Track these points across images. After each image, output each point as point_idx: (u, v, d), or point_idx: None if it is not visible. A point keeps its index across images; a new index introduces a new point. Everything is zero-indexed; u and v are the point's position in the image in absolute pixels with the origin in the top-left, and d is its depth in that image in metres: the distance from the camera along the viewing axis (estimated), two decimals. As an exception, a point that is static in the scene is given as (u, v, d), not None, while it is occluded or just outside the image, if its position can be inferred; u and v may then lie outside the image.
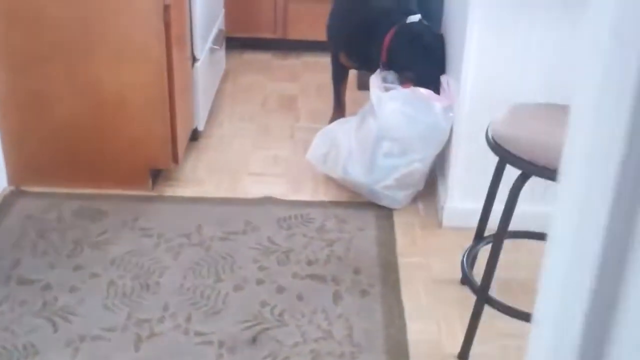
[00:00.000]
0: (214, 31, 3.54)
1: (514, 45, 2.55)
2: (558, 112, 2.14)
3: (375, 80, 2.96)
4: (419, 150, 2.81)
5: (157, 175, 3.05)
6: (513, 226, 2.11)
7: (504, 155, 2.02)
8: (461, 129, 2.69)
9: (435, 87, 2.90)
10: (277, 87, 3.99)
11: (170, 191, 3.00)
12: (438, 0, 3.39)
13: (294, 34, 4.30)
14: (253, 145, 3.39)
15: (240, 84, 4.03)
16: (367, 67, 3.26)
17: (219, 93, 3.76)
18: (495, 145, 2.04)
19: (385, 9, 3.05)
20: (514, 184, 2.03)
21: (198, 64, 3.19)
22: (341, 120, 3.12)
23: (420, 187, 2.92)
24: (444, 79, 2.90)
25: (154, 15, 2.68)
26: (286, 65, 4.27)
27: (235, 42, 4.31)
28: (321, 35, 4.25)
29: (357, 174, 2.89)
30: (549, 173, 1.93)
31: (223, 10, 3.91)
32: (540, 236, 2.42)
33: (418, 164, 2.82)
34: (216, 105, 3.68)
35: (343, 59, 3.30)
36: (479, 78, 2.60)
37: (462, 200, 2.82)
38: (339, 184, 3.04)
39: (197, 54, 3.18)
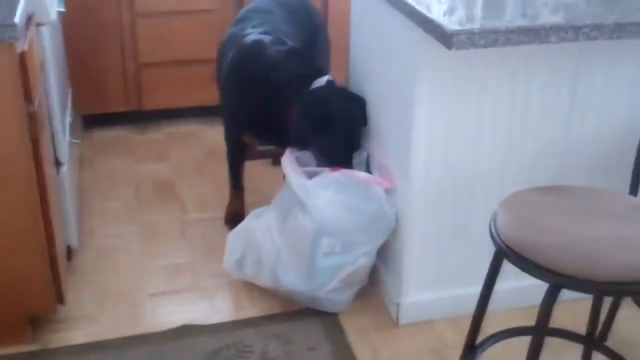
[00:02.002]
0: (68, 120, 2.89)
1: (464, 117, 2.18)
2: (567, 198, 1.79)
3: (288, 163, 2.49)
4: (363, 243, 2.36)
5: (36, 320, 2.38)
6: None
7: (528, 266, 1.63)
8: (411, 212, 2.28)
9: (349, 163, 2.48)
10: (146, 171, 3.39)
11: (56, 339, 2.34)
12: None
13: (151, 104, 3.72)
14: (142, 255, 2.79)
15: (101, 171, 3.38)
16: (277, 143, 2.78)
17: (78, 188, 3.11)
18: (514, 256, 1.65)
19: (288, 76, 2.58)
20: (545, 300, 1.64)
21: (64, 169, 2.56)
22: (253, 214, 2.61)
23: (365, 282, 2.48)
24: (372, 151, 2.49)
25: (15, 127, 2.05)
26: (148, 141, 3.67)
27: (84, 119, 3.66)
28: (182, 101, 3.74)
29: (293, 281, 2.40)
30: (588, 286, 1.57)
31: (71, 89, 3.26)
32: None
33: (364, 258, 2.38)
34: (81, 207, 3.03)
35: (247, 138, 2.79)
36: (430, 155, 2.20)
37: (419, 292, 2.41)
38: (261, 288, 2.53)
39: (61, 157, 2.55)
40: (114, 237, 2.90)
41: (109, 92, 3.64)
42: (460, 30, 1.85)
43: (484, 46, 1.85)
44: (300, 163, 2.52)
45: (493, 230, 1.74)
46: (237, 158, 2.91)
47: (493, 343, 2.05)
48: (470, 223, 2.34)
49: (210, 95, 3.65)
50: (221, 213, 3.02)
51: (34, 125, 2.08)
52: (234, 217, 2.95)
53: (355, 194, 2.33)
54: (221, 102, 2.83)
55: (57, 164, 2.54)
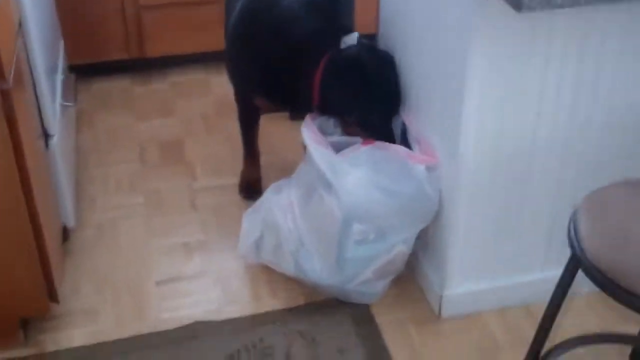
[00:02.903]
0: (59, 78, 2.54)
1: (525, 85, 1.82)
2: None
3: (310, 132, 2.14)
4: (401, 228, 2.04)
5: (28, 319, 2.10)
6: None
7: (620, 295, 1.30)
8: (458, 192, 1.95)
9: (390, 135, 2.14)
10: (151, 129, 3.04)
11: (51, 341, 2.06)
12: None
13: (154, 51, 3.34)
14: (148, 233, 2.48)
15: (101, 130, 3.04)
16: (296, 109, 2.44)
17: (75, 151, 2.79)
18: (602, 279, 1.32)
19: (310, 33, 2.21)
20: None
21: (54, 141, 2.23)
22: (271, 189, 2.28)
23: (401, 270, 2.17)
24: (409, 121, 2.13)
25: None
26: (152, 92, 3.31)
27: (81, 70, 3.30)
28: (188, 46, 3.36)
29: (319, 273, 2.09)
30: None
31: (62, 41, 2.90)
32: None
33: (402, 246, 2.06)
34: (79, 175, 2.71)
35: (260, 102, 2.44)
36: (483, 126, 1.85)
37: (464, 282, 2.10)
38: (282, 274, 2.23)
39: (50, 128, 2.21)
40: (116, 210, 2.58)
41: (106, 38, 3.26)
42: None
43: (561, 6, 1.48)
44: (324, 132, 2.17)
45: (574, 239, 1.41)
46: (250, 121, 2.56)
47: (561, 353, 1.76)
48: (525, 204, 2.01)
49: (220, 39, 3.27)
50: (235, 179, 2.69)
51: (8, 104, 1.74)
52: (249, 186, 2.63)
53: (392, 173, 2.00)
54: (229, 59, 2.46)
55: (46, 136, 2.21)
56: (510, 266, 2.11)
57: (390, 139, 2.12)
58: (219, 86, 3.31)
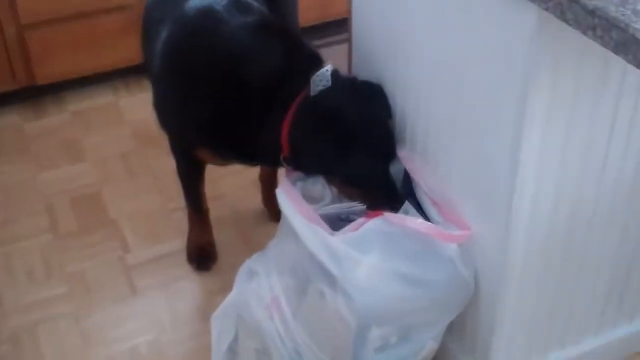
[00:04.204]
0: None
1: (592, 127, 1.35)
2: None
3: (289, 200, 1.61)
4: (430, 324, 1.56)
5: None
6: None
7: None
8: (507, 271, 1.48)
9: (395, 194, 1.64)
10: (58, 180, 2.41)
11: None
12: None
13: (46, 76, 2.68)
14: (80, 339, 1.91)
15: (-8, 187, 2.41)
16: (255, 162, 1.90)
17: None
18: None
19: (272, 70, 1.65)
20: None
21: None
22: (242, 272, 1.74)
23: (428, 363, 1.70)
24: (413, 172, 1.63)
25: None
26: (50, 128, 2.66)
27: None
28: (87, 66, 2.73)
29: (329, 390, 1.59)
30: None
31: None
32: None
33: (431, 343, 1.59)
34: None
35: (204, 155, 1.87)
36: (542, 182, 1.38)
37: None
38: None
39: None
40: (32, 311, 1.99)
41: (-17, 68, 2.60)
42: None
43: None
44: (309, 198, 1.65)
45: None
46: (192, 176, 2.00)
47: None
48: (583, 269, 1.57)
49: (124, 53, 2.70)
50: (179, 242, 2.15)
51: None
52: (201, 252, 2.10)
53: (414, 255, 1.50)
54: (157, 100, 1.87)
55: None
56: (562, 338, 1.68)
57: (398, 200, 1.63)
58: (133, 110, 2.72)
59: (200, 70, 1.71)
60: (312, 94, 1.62)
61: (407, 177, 1.67)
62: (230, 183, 2.34)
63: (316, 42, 2.78)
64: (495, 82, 1.31)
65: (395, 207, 1.63)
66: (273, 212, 2.22)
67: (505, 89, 1.29)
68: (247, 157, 1.82)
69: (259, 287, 1.69)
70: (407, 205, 1.64)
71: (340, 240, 1.51)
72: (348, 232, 1.53)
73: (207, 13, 1.73)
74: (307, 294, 1.59)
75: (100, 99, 2.78)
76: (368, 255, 1.49)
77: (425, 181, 1.61)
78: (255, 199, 2.27)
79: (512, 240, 1.42)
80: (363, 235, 1.51)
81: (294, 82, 1.64)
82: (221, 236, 2.15)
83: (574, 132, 1.33)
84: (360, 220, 1.54)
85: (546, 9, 1.08)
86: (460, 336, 1.67)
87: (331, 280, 1.52)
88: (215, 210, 2.13)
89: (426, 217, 1.60)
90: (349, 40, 1.82)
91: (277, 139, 1.66)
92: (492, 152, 1.38)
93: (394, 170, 1.69)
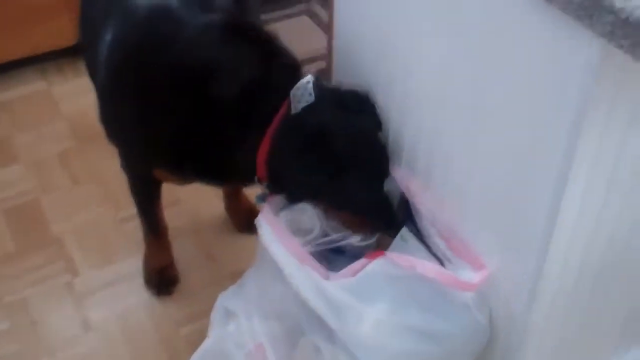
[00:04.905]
0: None
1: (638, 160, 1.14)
2: None
3: (273, 234, 1.39)
4: (443, 375, 1.37)
5: None
6: None
7: None
8: (530, 316, 1.29)
9: (393, 220, 1.43)
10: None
11: None
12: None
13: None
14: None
15: None
16: (224, 183, 1.66)
17: None
18: None
19: (246, 82, 1.39)
20: None
21: None
22: (217, 311, 1.51)
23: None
24: (413, 198, 1.42)
25: None
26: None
27: None
28: (11, 50, 2.40)
29: None
30: None
31: None
32: None
33: (442, 394, 1.40)
34: None
35: (162, 175, 1.61)
36: (581, 222, 1.17)
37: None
38: None
39: None
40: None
41: None
42: None
43: None
44: (296, 230, 1.42)
45: None
46: (147, 195, 1.74)
47: None
48: (607, 304, 1.39)
49: (55, 33, 2.38)
50: (133, 261, 1.90)
51: None
52: (161, 276, 1.86)
53: (425, 304, 1.29)
54: (105, 114, 1.58)
55: None
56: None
57: (395, 225, 1.42)
58: (69, 99, 2.42)
59: (158, 83, 1.43)
60: (293, 111, 1.37)
61: (404, 199, 1.46)
62: (188, 188, 2.06)
63: (270, 15, 2.52)
64: (535, 110, 1.09)
65: (392, 233, 1.43)
66: (237, 221, 1.99)
67: (550, 120, 1.06)
68: (214, 179, 1.57)
69: (238, 332, 1.47)
70: (405, 232, 1.43)
71: (338, 287, 1.30)
72: (347, 276, 1.31)
73: (161, 11, 1.45)
74: (299, 346, 1.37)
75: (29, 87, 2.46)
76: (372, 306, 1.28)
77: (428, 208, 1.40)
78: (216, 205, 2.03)
79: (543, 282, 1.22)
80: (365, 280, 1.30)
81: (271, 95, 1.39)
82: (180, 251, 1.91)
83: (620, 163, 1.13)
84: (360, 262, 1.33)
85: (620, 47, 0.86)
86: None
87: (328, 333, 1.31)
88: (171, 219, 1.87)
89: (427, 247, 1.40)
90: (328, 43, 1.57)
91: (252, 161, 1.42)
92: (528, 187, 1.16)
93: (388, 188, 1.47)
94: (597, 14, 0.87)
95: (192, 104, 1.42)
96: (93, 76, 1.64)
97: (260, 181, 1.45)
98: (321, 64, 2.25)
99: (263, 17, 2.42)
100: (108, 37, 1.49)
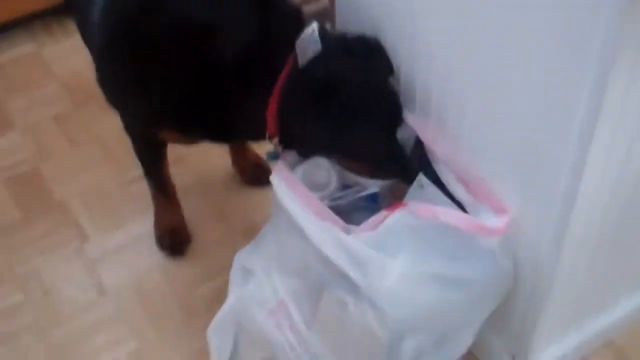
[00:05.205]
0: None
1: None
2: None
3: (288, 190, 1.36)
4: (468, 323, 1.35)
5: None
6: None
7: None
8: (554, 260, 1.27)
9: (410, 167, 1.40)
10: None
11: None
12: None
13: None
14: (47, 356, 1.65)
15: None
16: (233, 140, 1.62)
17: None
18: None
19: (251, 38, 1.33)
20: None
21: None
22: (235, 271, 1.49)
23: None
24: (429, 142, 1.38)
25: None
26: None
27: None
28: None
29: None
30: None
31: None
32: None
33: (469, 339, 1.39)
34: None
35: (169, 136, 1.57)
36: (607, 171, 1.15)
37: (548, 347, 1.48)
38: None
39: None
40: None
41: None
42: None
43: None
44: (312, 185, 1.39)
45: None
46: (153, 157, 1.70)
47: None
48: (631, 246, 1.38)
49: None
50: (144, 221, 1.87)
51: None
52: (173, 237, 1.83)
53: (449, 252, 1.27)
54: (104, 78, 1.52)
55: None
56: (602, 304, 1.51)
57: (411, 171, 1.39)
58: (61, 61, 2.35)
59: (158, 44, 1.38)
60: (300, 63, 1.33)
61: (419, 145, 1.42)
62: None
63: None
64: (558, 51, 1.05)
65: (408, 179, 1.40)
66: (245, 175, 1.96)
67: (576, 63, 1.02)
68: (223, 137, 1.53)
69: (258, 289, 1.45)
70: (422, 178, 1.40)
71: (360, 241, 1.27)
72: (368, 230, 1.29)
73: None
74: (322, 300, 1.35)
75: (18, 51, 2.39)
76: (396, 258, 1.26)
77: (444, 153, 1.36)
78: (222, 160, 1.98)
79: (569, 227, 1.20)
80: (387, 233, 1.28)
81: (277, 48, 1.35)
82: (189, 209, 1.87)
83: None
84: (381, 214, 1.30)
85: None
86: (495, 324, 1.47)
87: (352, 287, 1.28)
88: (177, 177, 1.83)
89: (447, 194, 1.37)
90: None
91: (262, 116, 1.38)
92: (550, 130, 1.13)
93: (403, 135, 1.43)
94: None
95: (194, 64, 1.37)
96: (86, 39, 1.58)
97: (271, 138, 1.42)
98: (322, 4, 2.19)
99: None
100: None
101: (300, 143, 1.39)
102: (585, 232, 1.24)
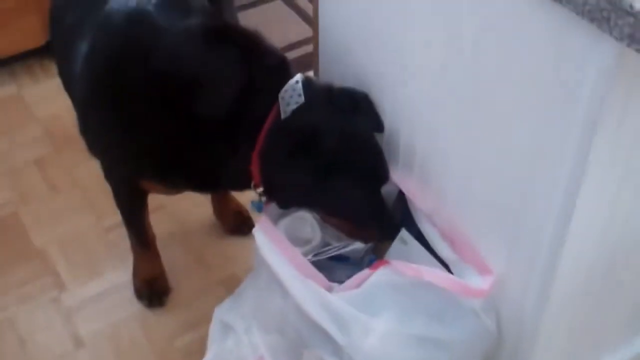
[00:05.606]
0: None
1: None
2: None
3: (271, 244, 1.34)
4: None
5: None
6: None
7: None
8: (538, 319, 1.26)
9: (393, 225, 1.40)
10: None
11: None
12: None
13: None
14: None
15: None
16: (214, 191, 1.61)
17: None
18: None
19: (235, 90, 1.32)
20: None
21: None
22: (215, 327, 1.46)
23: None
24: (415, 198, 1.37)
25: None
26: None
27: None
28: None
29: None
30: None
31: None
32: None
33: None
34: None
35: (150, 186, 1.55)
36: (593, 221, 1.14)
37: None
38: None
39: None
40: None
41: None
42: None
43: None
44: (295, 240, 1.37)
45: None
46: (133, 206, 1.67)
47: None
48: (615, 294, 1.37)
49: (22, 35, 2.30)
50: (122, 272, 1.83)
51: None
52: (151, 287, 1.80)
53: (432, 312, 1.26)
54: (86, 128, 1.51)
55: None
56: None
57: (393, 229, 1.38)
58: (42, 103, 2.33)
59: (141, 95, 1.36)
60: (283, 115, 1.32)
61: (401, 199, 1.42)
62: (173, 191, 2.02)
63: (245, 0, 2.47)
64: (542, 112, 1.04)
65: (389, 237, 1.39)
66: (227, 224, 1.94)
67: (559, 122, 1.02)
68: (207, 187, 1.52)
69: (237, 346, 1.42)
70: (404, 234, 1.39)
71: (342, 299, 1.25)
72: (351, 288, 1.27)
73: (137, 18, 1.37)
74: (302, 358, 1.33)
75: (0, 91, 2.37)
76: (379, 317, 1.24)
77: (428, 207, 1.35)
78: (203, 208, 1.96)
79: (554, 283, 1.19)
80: (369, 291, 1.26)
81: (261, 100, 1.34)
82: (169, 258, 1.84)
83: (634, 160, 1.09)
84: (363, 272, 1.28)
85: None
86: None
87: (333, 346, 1.26)
88: (157, 225, 1.80)
89: (430, 249, 1.36)
90: (314, 37, 1.51)
91: (246, 167, 1.37)
92: (535, 188, 1.12)
93: (386, 190, 1.42)
94: (614, 17, 0.82)
95: (178, 116, 1.35)
96: (68, 88, 1.56)
97: (256, 187, 1.40)
98: (304, 50, 2.20)
99: (238, 2, 2.35)
100: (84, 47, 1.42)
101: (280, 194, 1.38)
102: (569, 292, 1.23)
